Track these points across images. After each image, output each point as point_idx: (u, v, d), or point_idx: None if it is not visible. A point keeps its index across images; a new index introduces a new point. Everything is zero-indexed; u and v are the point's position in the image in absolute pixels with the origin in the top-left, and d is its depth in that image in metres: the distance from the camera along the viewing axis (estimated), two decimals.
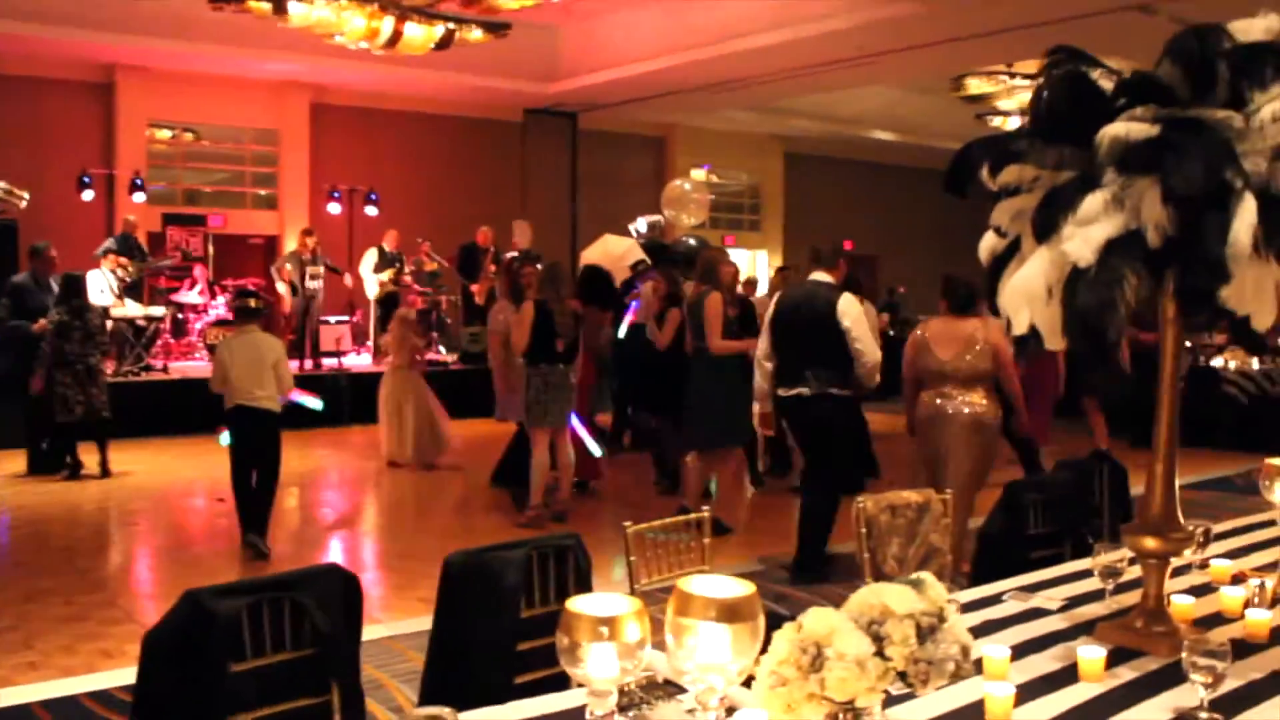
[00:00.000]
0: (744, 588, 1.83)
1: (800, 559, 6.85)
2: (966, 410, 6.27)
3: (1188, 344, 12.09)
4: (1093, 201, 2.65)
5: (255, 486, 7.51)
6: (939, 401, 6.33)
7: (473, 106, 18.45)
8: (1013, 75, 16.44)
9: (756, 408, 7.07)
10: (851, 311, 6.61)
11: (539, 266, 8.91)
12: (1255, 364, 11.89)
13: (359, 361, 14.95)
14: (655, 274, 10.00)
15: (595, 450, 9.13)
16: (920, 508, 4.06)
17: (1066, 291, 2.64)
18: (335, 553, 7.78)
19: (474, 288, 15.27)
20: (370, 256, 15.41)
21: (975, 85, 16.95)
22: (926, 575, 2.13)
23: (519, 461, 8.51)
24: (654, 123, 20.67)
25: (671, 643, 1.84)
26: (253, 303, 7.64)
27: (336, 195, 16.52)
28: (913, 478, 7.09)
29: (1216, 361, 11.88)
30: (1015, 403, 6.33)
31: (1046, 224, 2.73)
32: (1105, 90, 2.80)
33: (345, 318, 15.42)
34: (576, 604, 1.86)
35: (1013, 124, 17.97)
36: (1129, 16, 11.85)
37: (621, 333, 10.32)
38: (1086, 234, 2.62)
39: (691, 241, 13.99)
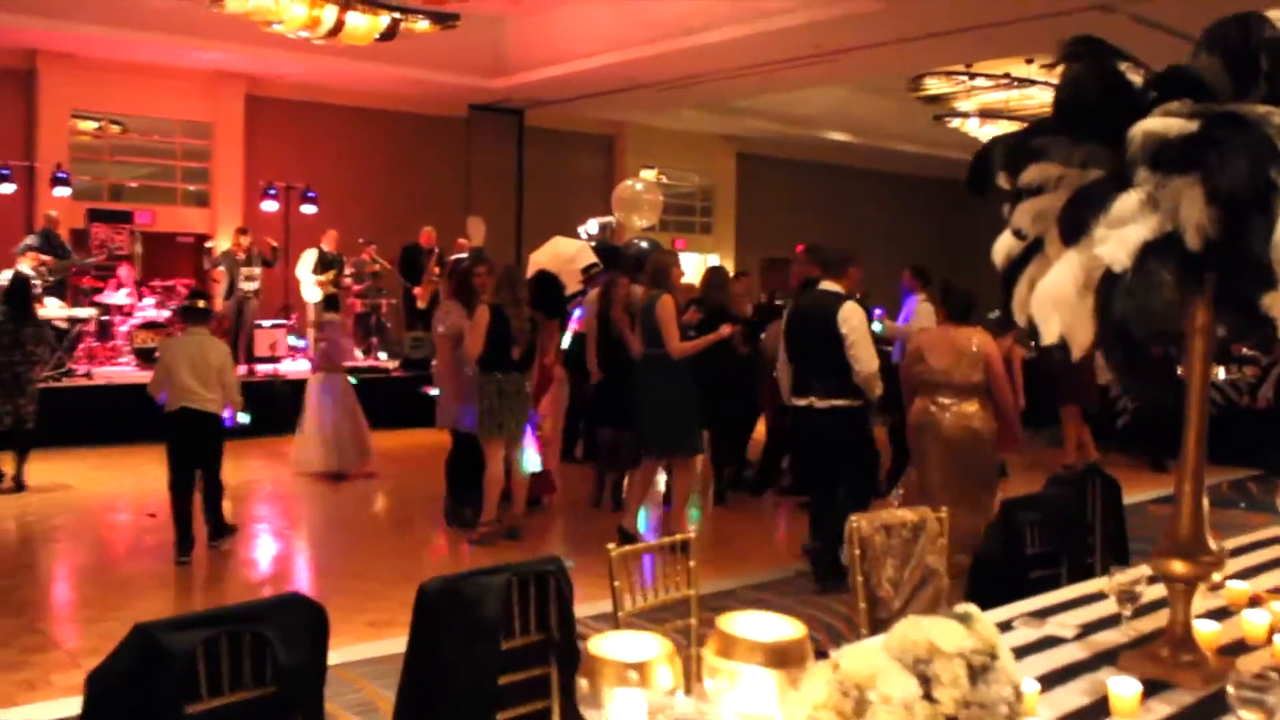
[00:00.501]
0: (793, 628, 1.68)
1: (818, 570, 7.08)
2: (957, 420, 6.31)
3: None
4: (1126, 202, 2.54)
5: (204, 488, 7.59)
6: (931, 409, 6.37)
7: (415, 101, 18.23)
8: (973, 76, 16.53)
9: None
10: (852, 320, 6.74)
11: (487, 267, 8.75)
12: (1221, 374, 11.98)
13: (295, 367, 14.64)
14: (606, 277, 9.87)
15: (534, 465, 8.94)
16: (916, 527, 3.96)
17: (1100, 298, 2.54)
18: (274, 571, 7.55)
19: (416, 290, 15.07)
20: (308, 258, 15.15)
21: (934, 85, 17.04)
22: (973, 609, 2.00)
23: (460, 472, 8.34)
24: (603, 120, 20.57)
25: (710, 689, 1.69)
26: (201, 304, 7.70)
27: (272, 192, 16.24)
28: (909, 489, 7.16)
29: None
30: (1005, 414, 6.32)
31: (1076, 225, 2.62)
32: (1135, 83, 2.70)
33: (281, 321, 15.12)
34: (600, 645, 1.71)
35: (971, 125, 18.08)
36: (1090, 16, 11.93)
37: (566, 342, 10.18)
38: (1121, 236, 2.52)
39: (644, 244, 13.87)
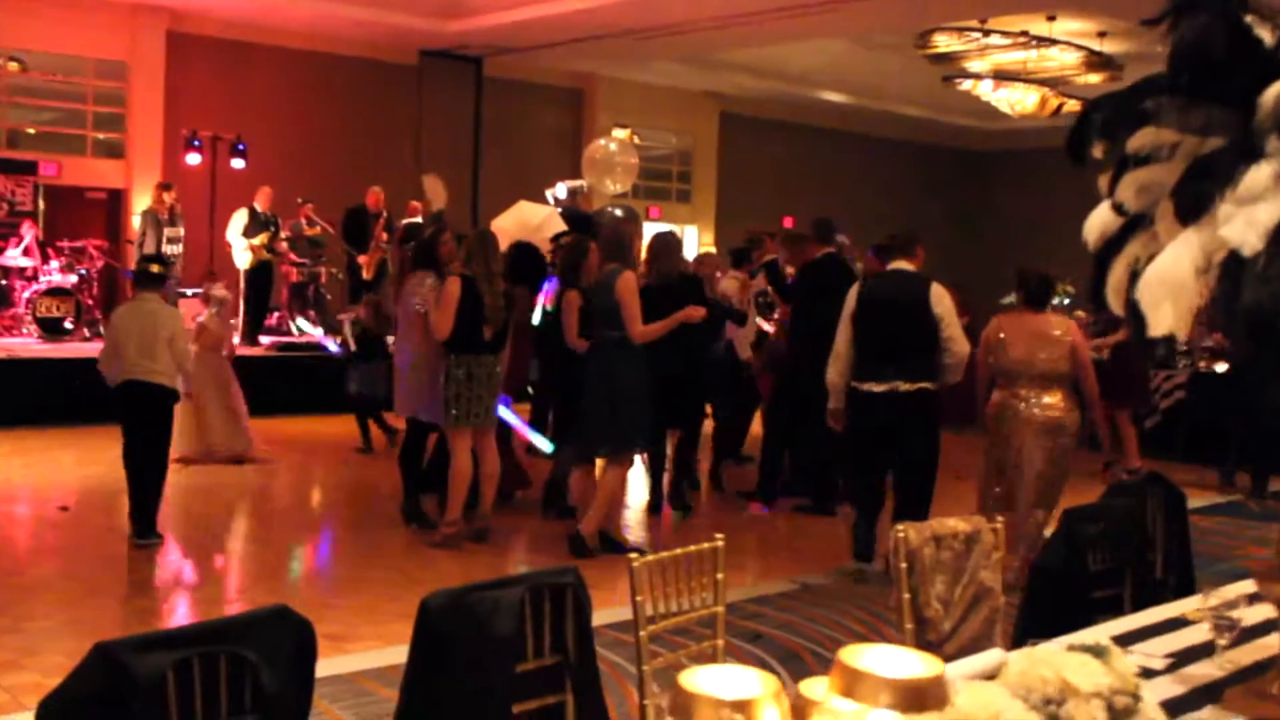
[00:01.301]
0: (927, 664, 1.60)
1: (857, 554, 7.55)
2: (1040, 412, 6.59)
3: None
4: (1257, 175, 2.48)
5: (144, 468, 7.71)
6: (1011, 401, 6.68)
7: (360, 44, 18.01)
8: (987, 33, 16.51)
9: (831, 403, 7.45)
10: (945, 301, 7.12)
11: (451, 235, 8.62)
12: None
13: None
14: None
15: (544, 446, 8.89)
16: (969, 538, 3.91)
17: (1223, 285, 2.48)
18: (201, 577, 7.42)
19: (361, 259, 14.91)
20: (239, 219, 14.95)
21: (944, 43, 16.99)
22: (1107, 642, 1.93)
23: (417, 465, 8.26)
24: (571, 72, 20.43)
25: None
26: (154, 268, 7.88)
27: (197, 144, 16.00)
28: (984, 484, 7.34)
29: (1221, 367, 12.02)
30: (1091, 410, 6.49)
31: (1196, 201, 2.56)
32: (1264, 40, 2.64)
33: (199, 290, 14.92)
34: (694, 680, 1.63)
35: (984, 88, 18.09)
36: None
37: (537, 318, 10.08)
38: (1251, 215, 2.46)
39: (618, 212, 13.79)
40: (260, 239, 14.80)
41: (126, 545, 7.69)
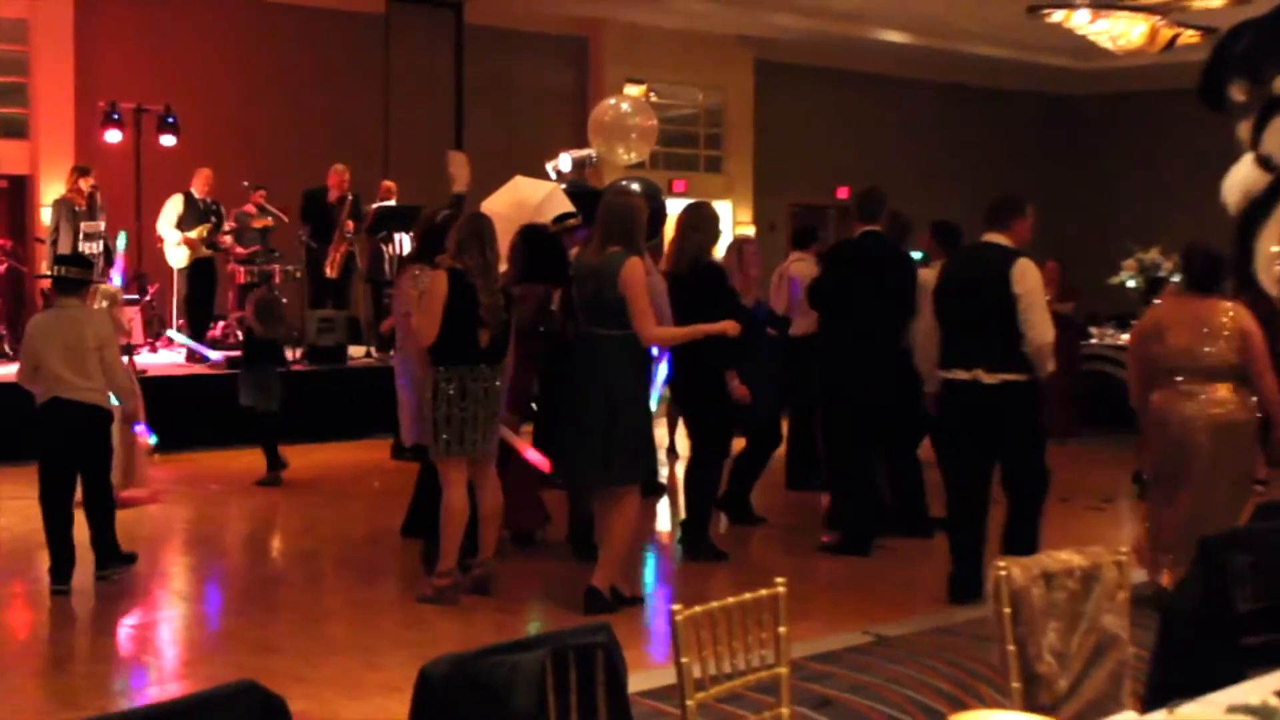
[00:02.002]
0: None
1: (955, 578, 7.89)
2: (1211, 410, 6.87)
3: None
4: None
5: (86, 499, 8.10)
6: (1176, 400, 6.97)
7: None
8: None
9: (927, 387, 8.01)
10: (1028, 279, 7.38)
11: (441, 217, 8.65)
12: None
13: (155, 360, 14.49)
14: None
15: (542, 467, 8.85)
16: (1086, 576, 3.93)
17: None
18: (155, 647, 7.44)
19: (329, 254, 14.99)
20: (172, 207, 15.03)
21: None
22: (1276, 702, 1.91)
23: (434, 502, 8.25)
24: (572, 18, 20.47)
25: None
26: (70, 271, 8.18)
27: (116, 117, 15.99)
28: (1153, 506, 7.59)
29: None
30: (1269, 407, 6.69)
31: None
32: None
33: (133, 297, 14.98)
34: None
35: (1079, 19, 18.01)
36: None
37: None
38: None
39: (634, 186, 13.79)
40: (198, 231, 14.88)
41: (46, 609, 7.71)
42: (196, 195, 15.08)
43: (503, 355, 7.85)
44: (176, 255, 15.03)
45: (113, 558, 8.22)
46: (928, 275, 9.01)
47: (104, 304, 10.53)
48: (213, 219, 15.03)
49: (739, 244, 11.10)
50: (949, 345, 7.68)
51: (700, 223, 8.87)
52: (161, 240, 15.14)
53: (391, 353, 9.30)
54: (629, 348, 7.52)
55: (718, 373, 8.70)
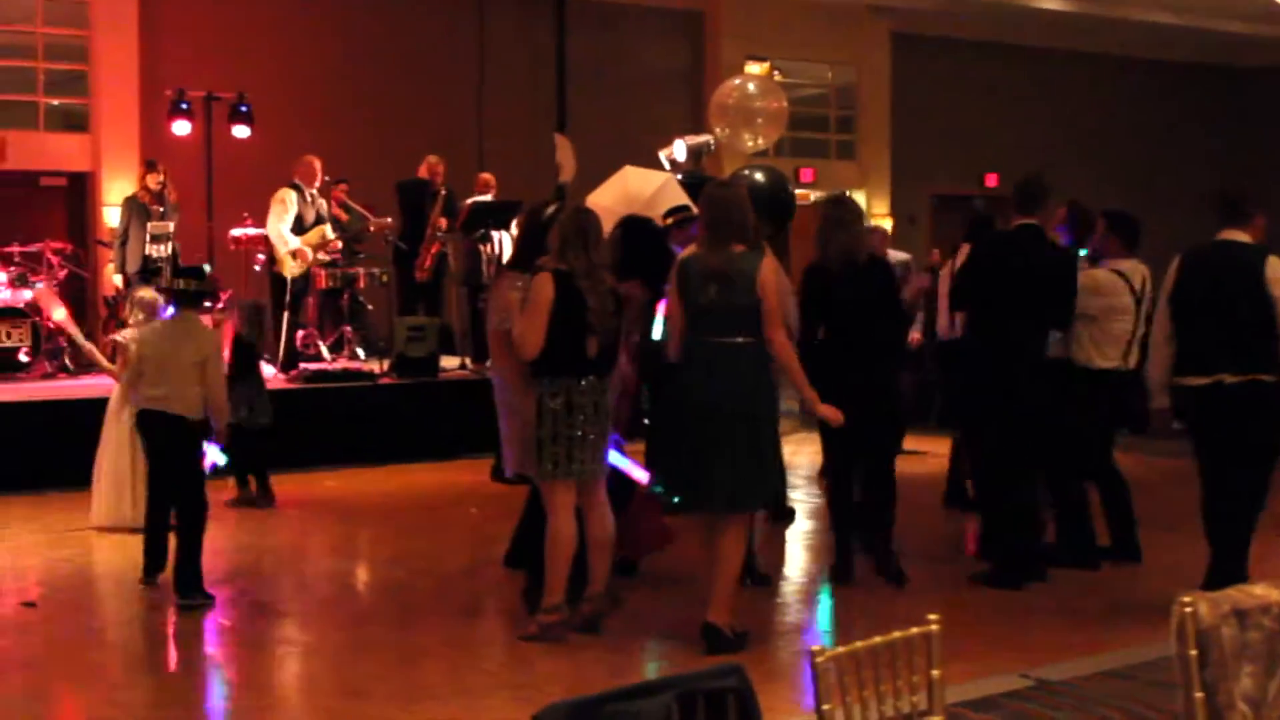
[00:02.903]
0: None
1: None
2: None
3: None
4: None
5: (177, 520, 8.69)
6: None
7: None
8: None
9: (1154, 402, 8.35)
10: None
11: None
12: None
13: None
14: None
15: (640, 479, 8.89)
16: None
17: None
18: (236, 692, 7.53)
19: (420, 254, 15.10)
20: (287, 205, 14.70)
21: None
22: None
23: (538, 533, 8.28)
24: None
25: None
26: (189, 284, 8.96)
27: (184, 107, 16.28)
28: None
29: None
30: None
31: None
32: None
33: (209, 305, 15.21)
34: None
35: None
36: None
37: (659, 330, 10.10)
38: None
39: (759, 177, 13.79)
40: (315, 234, 14.74)
41: (115, 649, 7.83)
42: (305, 189, 14.91)
43: (612, 365, 7.87)
44: (292, 266, 14.78)
45: (194, 588, 8.54)
46: (1102, 276, 9.21)
47: (142, 318, 10.71)
48: (330, 220, 15.01)
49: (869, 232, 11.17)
50: (1186, 350, 8.06)
51: (847, 217, 8.97)
52: (265, 246, 15.03)
53: (487, 364, 9.33)
54: (763, 358, 7.56)
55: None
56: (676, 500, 7.93)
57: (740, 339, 7.52)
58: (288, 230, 14.66)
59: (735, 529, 7.71)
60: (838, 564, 9.17)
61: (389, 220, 15.47)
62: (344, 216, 15.65)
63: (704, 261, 7.70)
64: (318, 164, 15.03)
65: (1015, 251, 8.96)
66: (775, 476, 7.83)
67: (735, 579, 7.79)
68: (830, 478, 9.43)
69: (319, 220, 14.91)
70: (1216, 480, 8.18)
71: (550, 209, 8.89)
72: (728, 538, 7.70)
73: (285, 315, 14.72)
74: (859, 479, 9.24)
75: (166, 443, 8.71)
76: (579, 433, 7.67)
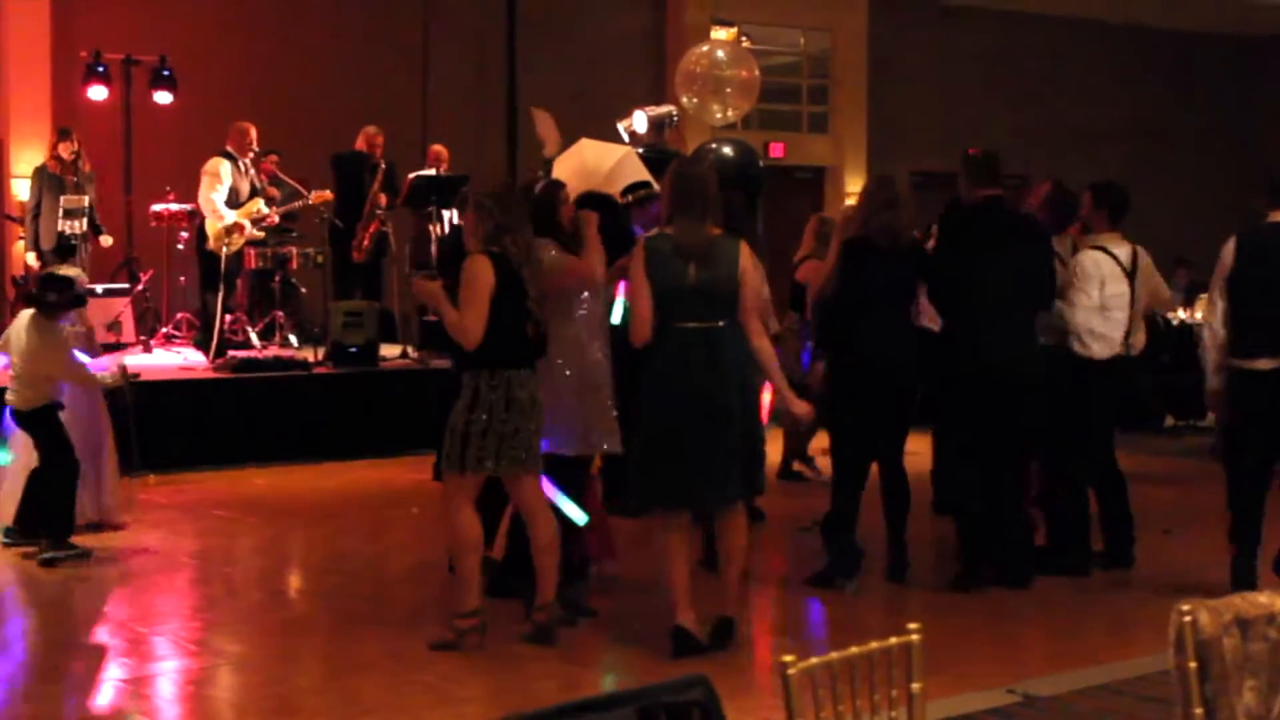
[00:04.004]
0: None
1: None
2: None
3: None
4: None
5: None
6: None
7: None
8: None
9: (1210, 383, 8.90)
10: None
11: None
12: None
13: (150, 361, 14.55)
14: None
15: (577, 518, 8.98)
16: None
17: None
18: (158, 704, 7.53)
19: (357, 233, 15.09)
20: (221, 174, 14.63)
21: None
22: None
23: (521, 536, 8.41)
24: None
25: None
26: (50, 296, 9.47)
27: (101, 70, 16.24)
28: None
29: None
30: None
31: None
32: None
33: (122, 286, 15.15)
34: None
35: None
36: None
37: (617, 315, 10.12)
38: None
39: (727, 150, 13.82)
40: (252, 206, 14.68)
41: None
42: (238, 158, 14.85)
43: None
44: (228, 241, 14.70)
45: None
46: (1097, 258, 9.28)
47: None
48: (258, 189, 14.92)
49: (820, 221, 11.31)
50: (1248, 332, 8.54)
51: (894, 198, 9.24)
52: (198, 219, 14.95)
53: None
54: (742, 341, 7.70)
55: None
56: (668, 498, 8.01)
57: (721, 322, 7.64)
58: (222, 203, 14.56)
59: (738, 520, 7.94)
60: (849, 562, 9.25)
61: (329, 193, 15.33)
62: (275, 192, 15.47)
63: (678, 242, 7.78)
64: (253, 132, 14.92)
65: (989, 224, 9.20)
66: (763, 463, 8.03)
67: (745, 571, 8.09)
68: (842, 471, 9.41)
69: (255, 193, 14.84)
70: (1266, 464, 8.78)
71: (544, 183, 9.02)
72: (733, 530, 7.96)
73: (219, 298, 14.57)
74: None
75: None
76: (513, 427, 7.75)
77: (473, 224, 7.98)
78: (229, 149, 14.85)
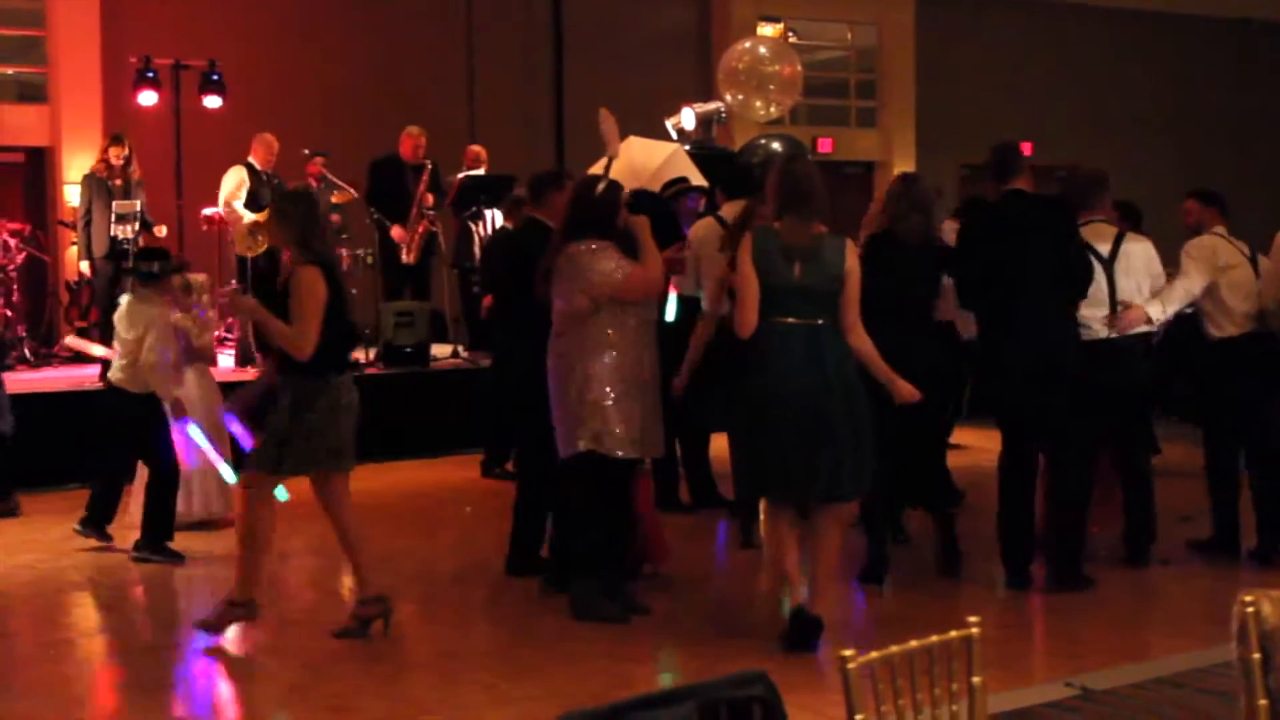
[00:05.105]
0: None
1: None
2: None
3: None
4: None
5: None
6: None
7: None
8: None
9: None
10: None
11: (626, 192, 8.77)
12: None
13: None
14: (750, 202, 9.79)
15: (227, 476, 9.63)
16: None
17: None
18: (215, 704, 7.54)
19: (395, 233, 15.13)
20: (234, 180, 14.97)
21: None
22: None
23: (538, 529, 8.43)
24: None
25: None
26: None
27: (150, 76, 16.24)
28: None
29: None
30: None
31: None
32: None
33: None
34: None
35: None
36: None
37: (670, 312, 10.13)
38: None
39: (775, 146, 13.80)
40: (262, 213, 14.67)
41: (81, 662, 7.91)
42: (257, 166, 15.08)
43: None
44: (249, 241, 14.89)
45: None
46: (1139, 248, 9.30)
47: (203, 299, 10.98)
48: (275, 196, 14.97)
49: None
50: None
51: (923, 201, 9.22)
52: (223, 221, 15.16)
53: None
54: (841, 339, 7.76)
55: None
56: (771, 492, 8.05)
57: (820, 321, 7.69)
58: (240, 205, 14.83)
59: (836, 519, 7.94)
60: (878, 563, 9.26)
61: (352, 192, 15.42)
62: (343, 197, 15.55)
63: (784, 240, 7.85)
64: (275, 145, 15.15)
65: (1001, 217, 9.15)
66: (873, 463, 7.95)
67: (838, 571, 8.12)
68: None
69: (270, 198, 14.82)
70: None
71: (605, 182, 9.00)
72: (831, 529, 7.94)
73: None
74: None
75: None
76: (335, 428, 8.00)
77: (279, 231, 8.23)
78: (250, 159, 15.11)
